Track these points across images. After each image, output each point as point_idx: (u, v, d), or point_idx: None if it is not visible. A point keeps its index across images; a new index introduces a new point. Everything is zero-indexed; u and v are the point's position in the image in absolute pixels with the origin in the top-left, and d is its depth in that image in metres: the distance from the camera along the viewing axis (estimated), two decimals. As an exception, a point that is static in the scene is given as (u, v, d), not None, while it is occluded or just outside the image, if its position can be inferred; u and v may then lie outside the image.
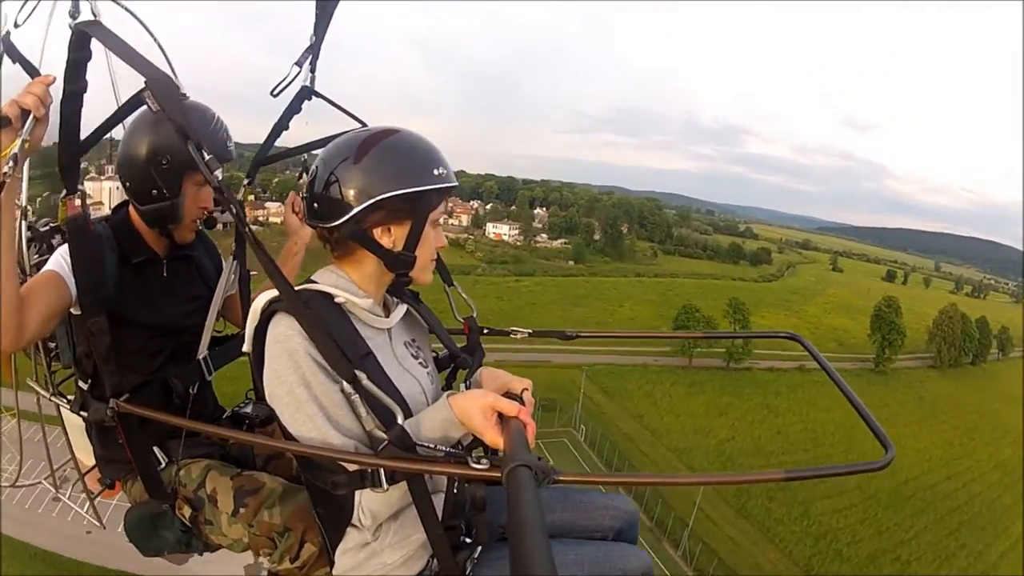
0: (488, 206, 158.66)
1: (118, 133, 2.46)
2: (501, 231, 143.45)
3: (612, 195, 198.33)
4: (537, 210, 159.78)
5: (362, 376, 1.70)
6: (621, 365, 78.49)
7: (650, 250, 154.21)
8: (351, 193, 1.85)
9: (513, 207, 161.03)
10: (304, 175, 2.97)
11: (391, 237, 1.93)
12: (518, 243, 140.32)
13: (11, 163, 1.92)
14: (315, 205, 1.93)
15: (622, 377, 76.20)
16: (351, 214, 1.86)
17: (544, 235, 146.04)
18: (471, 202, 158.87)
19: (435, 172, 1.88)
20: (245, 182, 3.22)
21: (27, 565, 31.49)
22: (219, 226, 2.97)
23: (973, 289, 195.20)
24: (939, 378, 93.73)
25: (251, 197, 3.29)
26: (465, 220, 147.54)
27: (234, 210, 1.79)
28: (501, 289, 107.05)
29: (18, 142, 1.94)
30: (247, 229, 1.83)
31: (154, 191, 2.52)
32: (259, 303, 1.86)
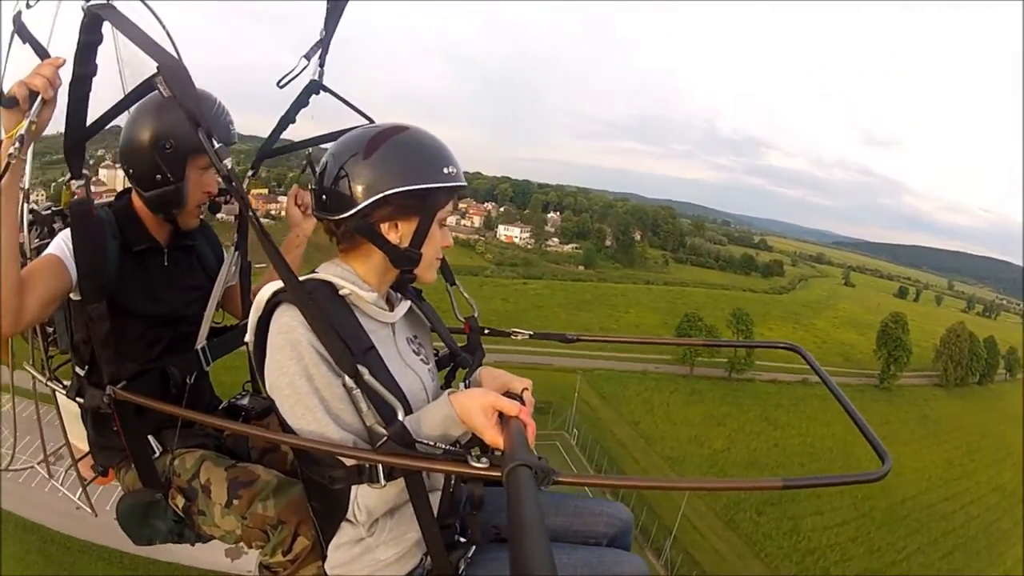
0: (501, 208, 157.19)
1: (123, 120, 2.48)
2: (512, 234, 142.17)
3: (627, 202, 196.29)
4: (550, 214, 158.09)
5: (364, 371, 1.69)
6: (621, 371, 77.49)
7: (662, 258, 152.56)
8: (359, 188, 1.86)
9: (527, 210, 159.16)
10: (308, 169, 2.90)
11: (398, 233, 1.94)
12: (529, 246, 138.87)
13: (17, 144, 1.92)
14: (323, 197, 1.94)
15: (621, 383, 75.01)
16: (359, 208, 1.86)
17: (556, 239, 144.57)
18: (485, 204, 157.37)
19: (444, 171, 1.89)
20: (249, 174, 3.20)
21: (19, 538, 32.36)
22: (225, 215, 2.99)
23: (984, 308, 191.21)
24: (944, 397, 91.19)
25: (265, 190, 3.60)
26: (477, 221, 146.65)
27: (240, 197, 1.82)
28: (508, 291, 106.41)
29: (25, 123, 1.94)
30: (253, 218, 1.78)
31: (158, 176, 2.51)
32: (264, 293, 1.85)
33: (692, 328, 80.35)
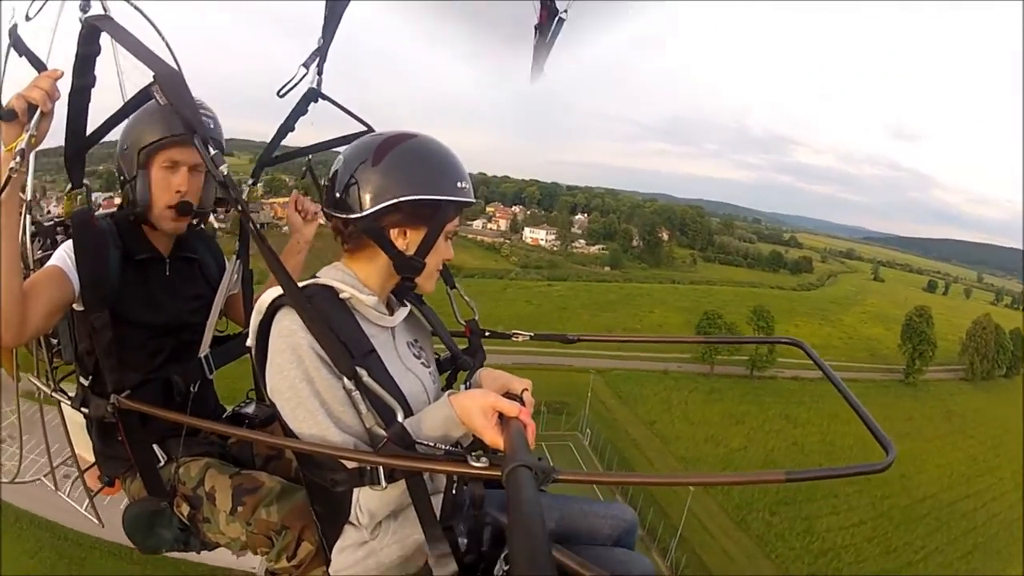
0: (528, 212, 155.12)
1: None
2: (538, 236, 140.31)
3: (655, 202, 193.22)
4: (578, 216, 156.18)
5: (363, 373, 1.69)
6: (639, 371, 75.50)
7: (689, 257, 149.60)
8: (371, 191, 1.86)
9: (554, 212, 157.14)
10: (308, 175, 3.05)
11: (405, 240, 1.94)
12: (554, 248, 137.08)
13: (17, 158, 1.92)
14: (336, 195, 1.93)
15: (639, 383, 73.17)
16: (373, 209, 1.86)
17: (582, 240, 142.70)
18: (513, 207, 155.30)
19: (458, 185, 1.91)
20: (249, 182, 3.17)
21: (32, 534, 33.62)
22: (217, 225, 3.01)
23: (1012, 300, 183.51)
24: (971, 391, 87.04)
25: (282, 202, 2.77)
26: (503, 225, 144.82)
27: (239, 205, 1.81)
28: (532, 293, 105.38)
29: (25, 137, 1.94)
30: (251, 224, 1.83)
31: (121, 177, 2.55)
32: (265, 298, 1.85)
33: (712, 326, 77.98)
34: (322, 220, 2.34)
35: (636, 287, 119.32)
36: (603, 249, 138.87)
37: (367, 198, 1.84)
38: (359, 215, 1.86)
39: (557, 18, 3.35)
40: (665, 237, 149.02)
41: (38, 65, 2.09)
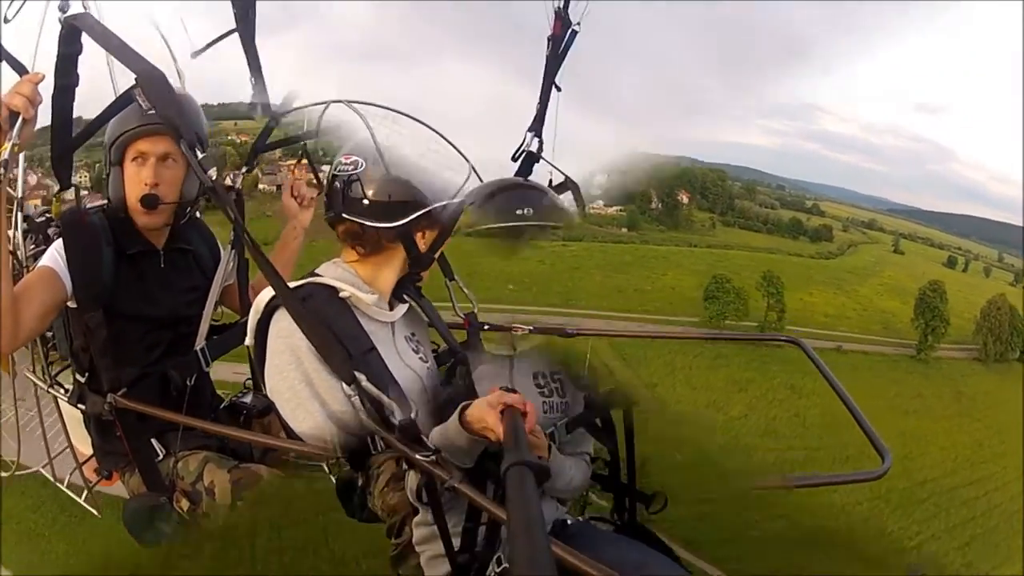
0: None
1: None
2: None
3: (677, 165, 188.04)
4: (596, 177, 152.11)
5: (361, 378, 1.68)
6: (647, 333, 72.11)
7: (709, 221, 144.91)
8: (403, 195, 1.86)
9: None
10: (304, 158, 2.94)
11: (424, 240, 1.97)
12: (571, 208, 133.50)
13: (2, 169, 1.85)
14: (364, 203, 1.88)
15: (644, 346, 69.74)
16: (411, 217, 1.86)
17: (600, 202, 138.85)
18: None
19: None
20: (244, 170, 3.08)
21: (35, 492, 31.20)
22: (268, 186, 3.22)
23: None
24: (982, 372, 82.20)
25: (297, 163, 3.16)
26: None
27: (231, 214, 1.80)
28: (545, 253, 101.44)
29: (8, 147, 1.85)
30: (245, 233, 1.82)
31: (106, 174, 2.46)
32: (263, 297, 1.82)
33: (720, 290, 75.26)
34: (312, 194, 2.25)
35: (652, 249, 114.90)
36: (621, 211, 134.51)
37: (399, 206, 1.78)
38: (395, 224, 1.80)
39: (570, 30, 3.11)
40: (685, 200, 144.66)
41: (18, 68, 1.99)
